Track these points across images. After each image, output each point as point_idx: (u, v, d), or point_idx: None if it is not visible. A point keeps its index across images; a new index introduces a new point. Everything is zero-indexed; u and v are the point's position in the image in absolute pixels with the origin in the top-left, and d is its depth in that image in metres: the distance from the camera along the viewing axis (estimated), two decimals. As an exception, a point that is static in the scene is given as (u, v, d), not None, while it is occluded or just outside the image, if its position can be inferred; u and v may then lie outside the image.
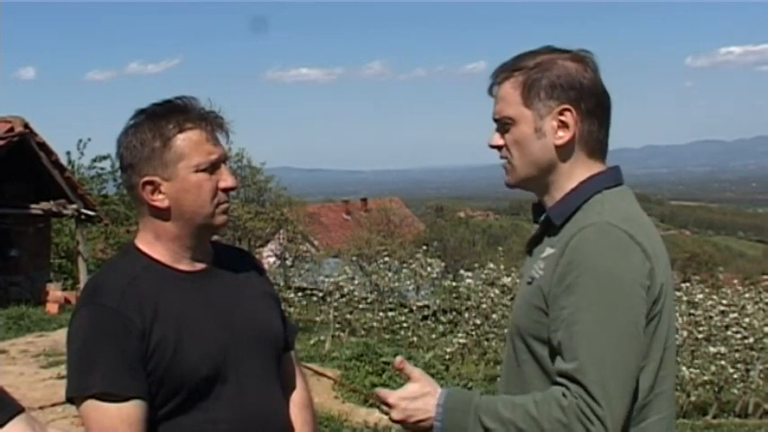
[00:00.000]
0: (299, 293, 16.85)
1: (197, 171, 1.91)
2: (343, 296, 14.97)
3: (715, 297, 15.08)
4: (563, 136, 1.84)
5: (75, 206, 17.04)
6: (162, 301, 1.89)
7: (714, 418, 13.61)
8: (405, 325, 15.10)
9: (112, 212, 21.98)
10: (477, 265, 18.57)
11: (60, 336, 11.42)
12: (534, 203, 1.99)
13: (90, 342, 1.84)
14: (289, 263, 24.06)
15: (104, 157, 23.49)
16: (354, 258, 21.87)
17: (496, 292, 14.28)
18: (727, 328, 14.48)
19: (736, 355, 14.23)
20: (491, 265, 15.25)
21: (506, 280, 14.35)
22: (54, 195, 16.86)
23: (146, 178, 1.91)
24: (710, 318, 14.49)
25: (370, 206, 43.29)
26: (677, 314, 13.35)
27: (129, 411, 1.80)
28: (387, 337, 14.64)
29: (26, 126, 16.11)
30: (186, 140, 1.91)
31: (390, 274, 16.58)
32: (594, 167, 1.88)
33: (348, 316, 15.03)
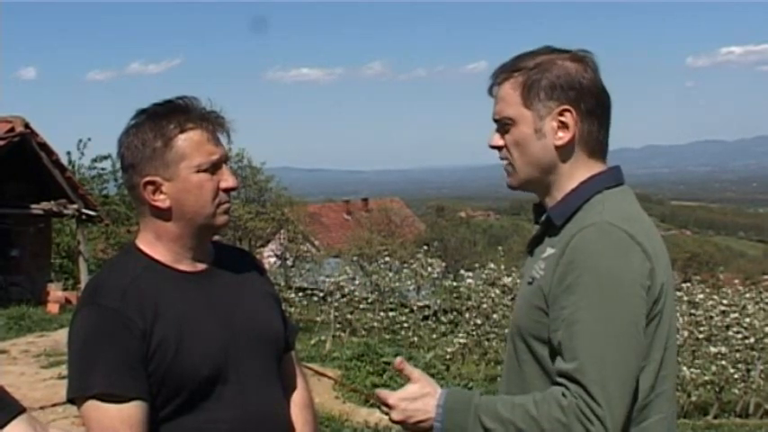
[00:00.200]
0: (300, 293, 16.84)
1: (198, 171, 1.91)
2: (343, 296, 14.97)
3: (716, 297, 15.07)
4: (563, 136, 1.84)
5: (75, 206, 17.04)
6: (163, 302, 1.89)
7: (715, 418, 13.60)
8: (405, 325, 15.09)
9: (113, 212, 21.97)
10: (477, 265, 18.54)
11: (61, 336, 11.43)
12: (535, 204, 1.99)
13: (91, 342, 1.84)
14: (289, 263, 24.05)
15: (105, 157, 23.49)
16: (355, 258, 21.86)
17: (497, 292, 14.26)
18: (727, 328, 14.46)
19: (737, 355, 14.22)
20: (492, 266, 15.24)
21: (507, 280, 14.34)
22: (55, 195, 16.87)
23: (147, 178, 1.91)
24: (711, 318, 14.48)
25: (371, 206, 43.28)
26: (678, 314, 13.32)
27: (130, 412, 1.80)
28: (387, 337, 14.64)
29: (27, 126, 16.11)
30: (187, 141, 1.91)
31: (391, 275, 16.57)
32: (595, 167, 1.88)
33: (349, 316, 15.03)
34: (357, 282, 16.25)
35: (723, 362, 13.85)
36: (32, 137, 16.26)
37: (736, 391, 14.35)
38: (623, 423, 1.69)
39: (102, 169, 23.93)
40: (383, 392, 1.87)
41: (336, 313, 14.79)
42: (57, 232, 20.56)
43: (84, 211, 17.28)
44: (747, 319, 14.63)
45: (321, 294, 15.76)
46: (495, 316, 14.03)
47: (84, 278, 16.80)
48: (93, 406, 1.80)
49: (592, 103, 1.85)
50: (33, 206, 16.79)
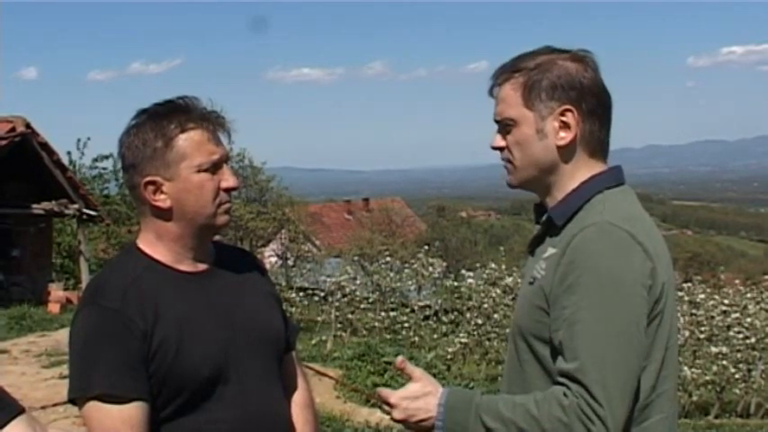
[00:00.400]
0: (301, 293, 16.84)
1: (199, 171, 1.91)
2: (344, 296, 14.97)
3: (717, 297, 15.06)
4: (565, 137, 1.84)
5: (76, 206, 17.06)
6: (163, 302, 1.89)
7: (716, 418, 13.59)
8: (406, 325, 15.09)
9: (114, 212, 21.99)
10: (478, 264, 18.53)
11: (62, 335, 11.44)
12: (536, 204, 1.99)
13: (91, 343, 1.84)
14: (290, 263, 24.04)
15: (105, 157, 23.52)
16: (356, 258, 21.84)
17: (498, 291, 14.26)
18: (728, 328, 14.46)
19: (738, 355, 14.22)
20: (493, 265, 15.23)
21: (508, 280, 14.33)
22: (56, 195, 16.88)
23: (147, 178, 1.91)
24: (712, 318, 14.47)
25: (372, 206, 43.30)
26: (679, 314, 13.33)
27: (131, 413, 1.80)
28: (388, 336, 14.63)
29: (28, 126, 16.13)
30: (188, 140, 1.90)
31: (392, 274, 16.56)
32: (596, 167, 1.88)
33: (350, 316, 15.03)
34: (358, 282, 16.26)
35: (724, 362, 13.84)
36: (33, 137, 16.27)
37: (738, 391, 14.35)
38: (624, 423, 1.69)
39: (104, 169, 23.97)
40: (384, 391, 1.87)
41: (337, 313, 14.80)
42: (58, 232, 20.59)
43: (85, 210, 17.30)
44: (748, 319, 14.62)
45: (322, 294, 15.76)
46: (496, 316, 14.03)
47: (85, 278, 16.81)
48: (94, 406, 1.80)
49: (593, 103, 1.85)
50: (34, 206, 16.80)
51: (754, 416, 14.29)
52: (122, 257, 2.05)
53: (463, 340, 14.02)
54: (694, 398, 13.70)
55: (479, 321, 14.12)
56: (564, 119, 1.83)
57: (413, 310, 15.43)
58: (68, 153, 22.84)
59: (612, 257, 1.72)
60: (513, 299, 13.27)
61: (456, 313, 15.11)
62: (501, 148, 1.92)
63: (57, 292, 16.58)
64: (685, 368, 13.16)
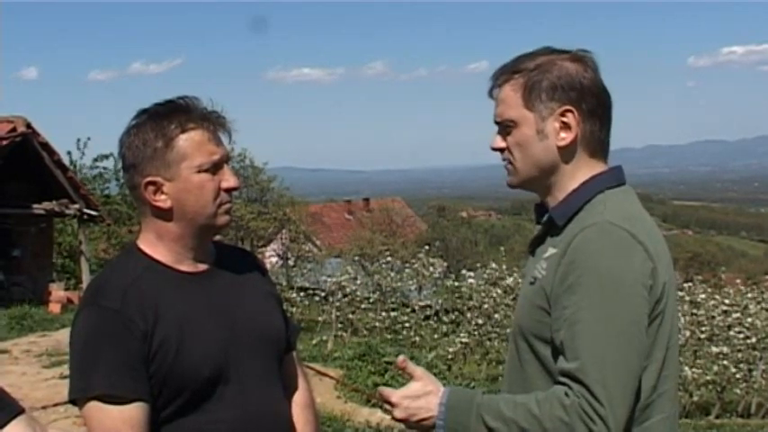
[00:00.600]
0: (302, 293, 16.85)
1: (199, 171, 1.91)
2: (345, 296, 14.98)
3: (717, 297, 15.06)
4: (565, 137, 1.84)
5: (77, 206, 17.06)
6: (164, 303, 1.89)
7: (717, 418, 13.60)
8: (407, 325, 15.10)
9: (115, 212, 21.99)
10: (479, 264, 18.55)
11: (63, 335, 11.44)
12: (536, 204, 1.99)
13: (92, 344, 1.84)
14: (291, 263, 24.06)
15: (105, 157, 23.50)
16: (357, 258, 21.85)
17: (499, 291, 14.27)
18: (729, 327, 14.46)
19: (739, 355, 14.22)
20: (493, 265, 15.24)
21: (509, 280, 14.34)
22: (56, 195, 16.88)
23: (148, 178, 1.91)
24: (713, 318, 14.48)
25: (373, 206, 43.31)
26: (680, 314, 13.34)
27: (132, 413, 1.80)
28: (389, 336, 14.64)
29: (28, 126, 16.13)
30: (188, 141, 1.90)
31: (393, 274, 16.58)
32: (597, 167, 1.88)
33: (350, 316, 15.04)
34: (359, 282, 16.27)
35: (725, 362, 13.84)
36: (34, 137, 16.28)
37: (738, 391, 14.35)
38: (625, 422, 1.69)
39: (104, 169, 23.95)
40: (386, 390, 1.87)
41: (338, 313, 14.81)
42: (58, 232, 20.59)
43: (86, 211, 17.31)
44: (749, 319, 14.63)
45: (323, 294, 15.77)
46: (496, 316, 14.03)
47: (85, 278, 16.82)
48: (94, 407, 1.80)
49: (593, 103, 1.85)
50: (35, 206, 16.81)
51: (755, 416, 14.29)
52: (123, 257, 2.04)
53: (464, 340, 14.03)
54: (695, 398, 13.71)
55: (480, 321, 14.13)
56: (564, 119, 1.83)
57: (413, 310, 15.44)
58: (68, 153, 22.86)
59: (613, 257, 1.72)
60: (514, 299, 13.27)
61: (457, 313, 15.12)
62: (501, 149, 1.92)
63: (57, 292, 16.59)
64: (686, 368, 13.16)
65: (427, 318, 15.66)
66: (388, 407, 1.86)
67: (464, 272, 15.86)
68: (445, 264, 21.44)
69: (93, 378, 1.80)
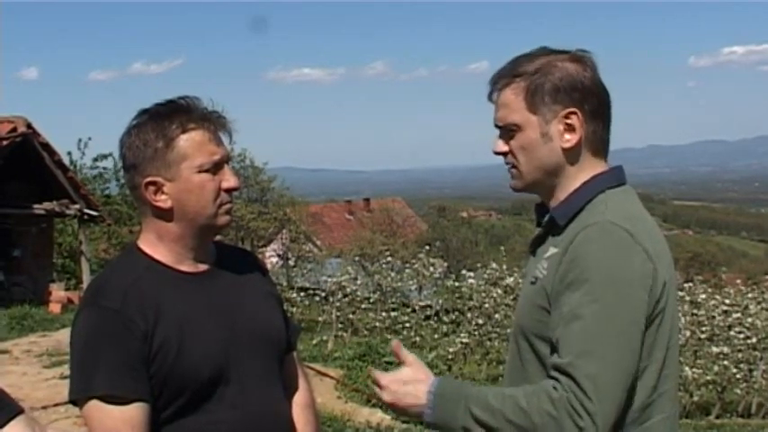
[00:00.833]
0: (302, 293, 16.85)
1: (200, 171, 1.91)
2: (345, 296, 14.98)
3: (718, 297, 15.07)
4: (570, 139, 1.84)
5: (77, 206, 17.06)
6: (164, 303, 1.89)
7: (717, 418, 13.60)
8: (407, 325, 15.10)
9: (115, 212, 22.00)
10: (479, 265, 18.55)
11: (63, 336, 11.44)
12: (537, 204, 1.99)
13: (92, 344, 1.84)
14: (291, 263, 24.06)
15: (105, 156, 23.49)
16: (357, 258, 21.86)
17: (499, 292, 14.27)
18: (729, 328, 14.47)
19: (739, 355, 14.22)
20: (493, 265, 15.24)
21: (509, 280, 14.35)
22: (57, 195, 16.88)
23: (148, 179, 1.91)
24: (713, 318, 14.48)
25: (373, 206, 43.33)
26: (680, 314, 13.33)
27: (132, 413, 1.80)
28: (389, 337, 14.63)
29: (29, 126, 16.13)
30: (189, 141, 1.90)
31: (393, 274, 16.58)
32: (598, 167, 1.88)
33: (351, 316, 15.04)
34: (359, 282, 16.27)
35: (725, 362, 13.85)
36: (35, 137, 16.28)
37: (739, 391, 14.35)
38: (614, 422, 1.68)
39: (104, 168, 23.94)
40: (377, 372, 1.87)
41: (338, 313, 14.81)
42: (59, 232, 20.59)
43: (86, 211, 17.30)
44: (749, 319, 14.63)
45: (323, 294, 15.78)
46: (497, 316, 14.04)
47: (86, 278, 16.82)
48: (95, 407, 1.80)
49: (595, 104, 1.85)
50: (35, 206, 16.80)
51: (756, 416, 14.29)
52: (123, 258, 2.05)
53: (464, 340, 14.03)
54: (695, 398, 13.71)
55: (480, 321, 14.13)
56: (568, 121, 1.83)
57: (414, 310, 15.44)
58: (69, 153, 22.85)
59: (613, 257, 1.72)
60: (514, 299, 13.27)
61: (457, 313, 15.13)
62: (504, 153, 1.91)
63: (58, 292, 16.58)
64: (686, 368, 13.16)
65: (427, 318, 15.67)
66: (377, 389, 1.86)
67: (464, 272, 15.86)
68: (445, 264, 21.44)
69: (94, 378, 1.80)
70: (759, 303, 15.36)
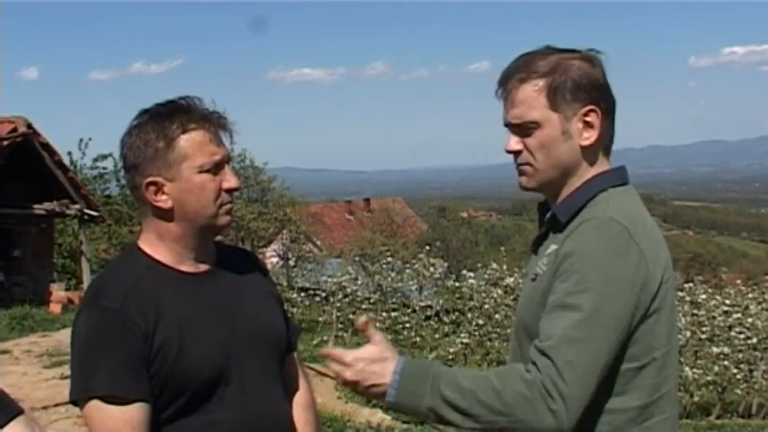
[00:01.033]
0: (302, 294, 16.85)
1: (200, 172, 1.91)
2: (345, 296, 14.97)
3: (718, 297, 15.05)
4: (589, 136, 1.85)
5: (78, 206, 17.06)
6: (164, 303, 1.89)
7: (717, 418, 13.58)
8: (407, 325, 15.09)
9: (115, 213, 22.00)
10: (479, 265, 18.55)
11: (63, 336, 11.45)
12: (540, 203, 1.99)
13: (92, 344, 1.84)
14: (292, 263, 24.06)
15: (105, 156, 23.48)
16: (357, 259, 21.85)
17: (499, 292, 14.25)
18: (730, 328, 14.45)
19: (740, 355, 14.21)
20: (494, 266, 15.23)
21: (509, 280, 14.33)
22: (57, 196, 16.88)
23: (149, 179, 1.91)
24: (713, 318, 14.46)
25: (373, 206, 43.35)
26: (680, 314, 13.35)
27: (133, 414, 1.80)
28: (389, 337, 14.56)
29: (29, 126, 16.13)
30: (190, 141, 1.90)
31: (393, 275, 16.57)
32: (603, 165, 1.89)
33: (351, 316, 15.01)
34: (359, 282, 16.27)
35: (726, 362, 13.83)
36: (35, 137, 16.28)
37: (739, 391, 14.33)
38: (582, 409, 1.67)
39: (104, 169, 23.94)
40: (338, 350, 1.81)
41: (338, 313, 14.80)
42: (59, 232, 20.59)
43: (87, 211, 17.30)
44: (750, 320, 14.61)
45: (323, 294, 15.77)
46: (497, 316, 14.02)
47: (86, 278, 16.81)
48: (95, 407, 1.80)
49: (610, 102, 1.87)
50: (36, 206, 16.80)
51: (756, 416, 14.27)
52: (123, 258, 2.05)
53: (464, 340, 14.02)
54: (696, 398, 13.69)
55: (481, 322, 14.12)
56: (588, 119, 1.84)
57: (414, 311, 15.44)
58: (69, 153, 22.85)
59: (607, 251, 1.73)
60: (515, 299, 13.27)
61: (457, 313, 15.12)
62: (518, 152, 1.90)
63: (58, 292, 16.58)
64: (687, 368, 13.15)
65: (428, 318, 15.66)
66: (338, 367, 1.79)
67: (465, 272, 15.85)
68: (446, 264, 21.44)
69: (94, 378, 1.80)
70: (759, 304, 15.35)
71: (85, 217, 17.47)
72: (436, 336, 15.05)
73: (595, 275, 1.70)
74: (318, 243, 31.90)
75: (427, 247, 18.86)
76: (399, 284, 16.26)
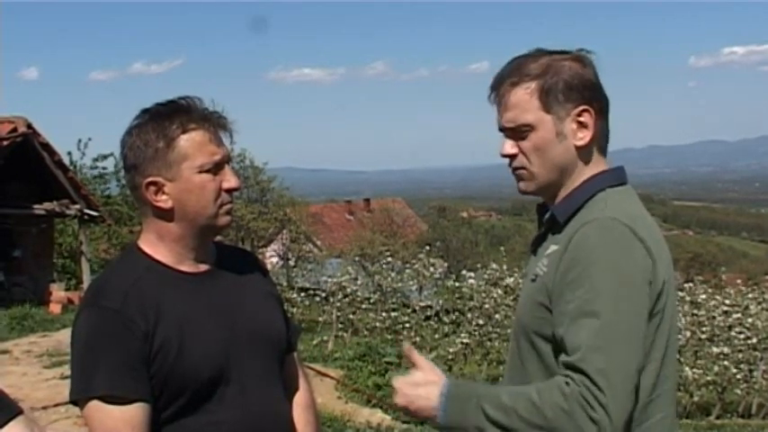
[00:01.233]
0: (302, 294, 16.85)
1: (200, 172, 1.91)
2: (345, 296, 14.97)
3: (718, 297, 15.06)
4: (583, 136, 1.85)
5: (78, 206, 17.05)
6: (164, 303, 1.89)
7: (717, 418, 13.60)
8: (407, 325, 15.09)
9: (115, 213, 21.99)
10: (479, 265, 18.55)
11: (63, 336, 11.44)
12: (539, 204, 1.99)
13: (92, 344, 1.84)
14: (292, 263, 24.08)
15: (105, 156, 23.47)
16: (357, 259, 21.86)
17: (499, 292, 14.26)
18: (730, 328, 14.46)
19: (740, 355, 14.22)
20: (494, 266, 15.23)
21: (509, 280, 14.34)
22: (57, 196, 16.88)
23: (149, 179, 1.91)
24: (713, 318, 14.48)
25: (373, 206, 43.36)
26: (680, 314, 13.35)
27: (133, 414, 1.80)
28: (389, 337, 14.63)
29: (29, 126, 16.13)
30: (190, 141, 1.90)
31: (393, 275, 16.57)
32: (600, 165, 1.89)
33: (351, 316, 15.03)
34: (359, 282, 16.26)
35: (725, 362, 13.84)
36: (35, 137, 16.27)
37: (739, 391, 14.35)
38: (627, 415, 1.68)
39: (104, 169, 23.93)
40: (393, 377, 1.86)
41: (338, 313, 14.80)
42: (59, 233, 20.58)
43: (87, 211, 17.30)
44: (750, 320, 14.63)
45: (323, 294, 15.78)
46: (497, 316, 14.03)
47: (86, 278, 16.81)
48: (95, 407, 1.80)
49: (602, 101, 1.87)
50: (35, 206, 16.80)
51: (756, 416, 14.29)
52: (123, 258, 2.05)
53: (464, 341, 14.03)
54: (696, 398, 13.71)
55: (480, 322, 14.12)
56: (581, 119, 1.84)
57: (414, 311, 15.43)
58: (69, 153, 22.84)
59: (615, 252, 1.72)
60: (515, 299, 13.27)
61: (457, 314, 15.12)
62: (513, 156, 1.90)
63: (58, 292, 16.58)
64: (687, 368, 13.16)
65: (428, 318, 15.66)
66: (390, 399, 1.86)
67: (464, 272, 15.84)
68: (446, 264, 21.44)
69: (94, 378, 1.80)
70: (759, 304, 15.36)
71: (85, 217, 17.46)
72: (436, 336, 15.05)
73: (607, 278, 1.70)
74: (318, 243, 31.93)
75: (427, 248, 18.85)
76: (399, 284, 16.25)
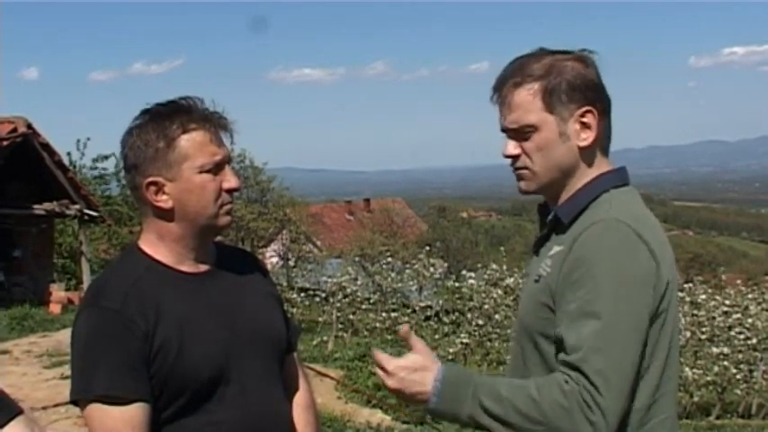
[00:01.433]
0: (302, 294, 16.86)
1: (201, 172, 1.91)
2: (345, 297, 14.98)
3: (718, 297, 15.06)
4: (586, 137, 1.84)
5: (78, 207, 17.06)
6: (164, 303, 1.89)
7: (717, 418, 13.59)
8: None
9: (115, 213, 21.99)
10: (479, 265, 18.54)
11: (63, 336, 11.45)
12: (540, 205, 1.99)
13: (92, 344, 1.84)
14: (291, 263, 24.08)
15: (105, 157, 23.47)
16: (357, 259, 21.86)
17: (499, 292, 14.26)
18: (730, 328, 14.46)
19: (740, 355, 14.22)
20: (494, 266, 15.23)
21: (509, 280, 14.34)
22: (57, 196, 16.88)
23: (149, 179, 1.91)
24: (713, 318, 14.48)
25: (373, 207, 43.37)
26: (680, 315, 13.34)
27: (133, 414, 1.80)
28: (389, 337, 14.63)
29: (29, 127, 16.13)
30: (190, 141, 1.90)
31: (393, 275, 16.58)
32: (603, 166, 1.89)
33: (351, 316, 15.03)
34: (359, 282, 16.27)
35: (725, 362, 13.84)
36: (35, 137, 16.28)
37: (739, 391, 14.35)
38: (625, 420, 1.69)
39: (104, 169, 23.93)
40: (383, 356, 1.81)
41: (338, 314, 14.81)
42: (59, 233, 20.59)
43: (87, 211, 17.30)
44: (750, 320, 14.63)
45: (323, 295, 15.78)
46: (497, 316, 14.03)
47: (86, 278, 16.81)
48: (95, 408, 1.80)
49: (605, 102, 1.87)
50: (35, 206, 16.80)
51: (756, 416, 14.29)
52: (124, 258, 2.04)
53: (464, 341, 14.03)
54: (696, 398, 13.70)
55: (480, 322, 14.12)
56: (584, 120, 1.84)
57: (414, 311, 15.44)
58: (68, 154, 22.83)
59: (619, 254, 1.72)
60: (515, 299, 13.28)
61: (457, 314, 15.12)
62: (516, 156, 1.89)
63: (58, 292, 16.59)
64: (687, 369, 13.16)
65: (428, 318, 15.66)
66: (381, 374, 1.80)
67: (464, 272, 15.84)
68: (446, 264, 21.46)
69: (94, 379, 1.80)
70: (759, 304, 15.36)
71: (85, 217, 17.47)
72: (436, 336, 15.05)
73: (609, 279, 1.70)
74: (318, 243, 31.92)
75: (427, 248, 18.86)
76: (399, 285, 16.26)
